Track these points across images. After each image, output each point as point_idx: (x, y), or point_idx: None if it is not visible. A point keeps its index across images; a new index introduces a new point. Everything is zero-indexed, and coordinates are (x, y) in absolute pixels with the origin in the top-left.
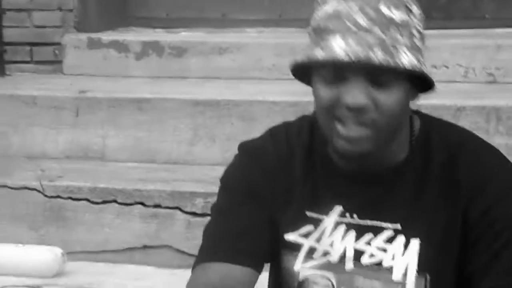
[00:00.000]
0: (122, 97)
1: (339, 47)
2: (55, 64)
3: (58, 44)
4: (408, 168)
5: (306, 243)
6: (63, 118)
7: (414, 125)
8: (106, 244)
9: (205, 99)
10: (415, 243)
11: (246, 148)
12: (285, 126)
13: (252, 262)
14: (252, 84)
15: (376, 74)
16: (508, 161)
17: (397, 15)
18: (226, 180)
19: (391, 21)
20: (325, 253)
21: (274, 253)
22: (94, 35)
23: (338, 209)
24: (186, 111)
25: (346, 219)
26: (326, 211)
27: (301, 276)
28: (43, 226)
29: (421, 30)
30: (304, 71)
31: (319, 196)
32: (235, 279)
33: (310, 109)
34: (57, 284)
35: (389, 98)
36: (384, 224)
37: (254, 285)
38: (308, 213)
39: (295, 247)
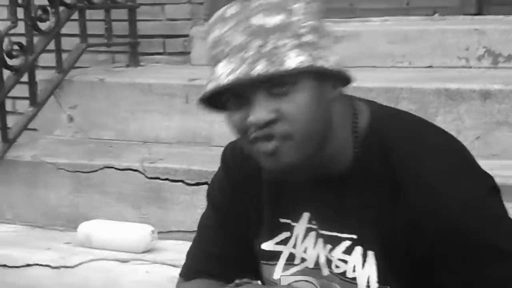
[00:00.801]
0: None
1: (222, 73)
2: (184, 55)
3: (187, 36)
4: (354, 171)
5: (286, 250)
6: (175, 105)
7: (359, 121)
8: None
9: None
10: (371, 256)
11: (222, 156)
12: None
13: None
14: (364, 72)
15: (273, 86)
16: (451, 155)
17: (272, 21)
18: (208, 192)
19: (267, 30)
20: (302, 259)
21: (252, 271)
22: None
23: (306, 215)
24: None
25: (314, 226)
26: (296, 217)
27: (282, 284)
28: (144, 206)
29: (310, 23)
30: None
31: (288, 202)
32: None
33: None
34: (143, 259)
35: (293, 105)
36: (341, 235)
37: None
38: (282, 220)
39: (274, 256)
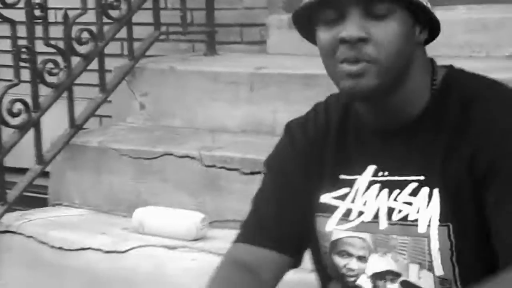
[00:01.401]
0: (291, 73)
1: None
2: (261, 44)
3: (263, 25)
4: (427, 117)
5: (343, 205)
6: (240, 93)
7: (437, 75)
8: None
9: None
10: (436, 194)
11: (286, 127)
12: (327, 98)
13: (280, 246)
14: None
15: (370, 6)
16: None
17: None
18: (266, 160)
19: None
20: (360, 213)
21: (308, 238)
22: None
23: (372, 168)
24: None
25: (379, 177)
26: (359, 171)
27: (333, 237)
28: (200, 194)
29: None
30: (306, 26)
31: (352, 159)
32: (263, 261)
33: None
34: (191, 247)
35: (385, 30)
36: (409, 178)
37: (284, 269)
38: (342, 176)
39: (329, 209)
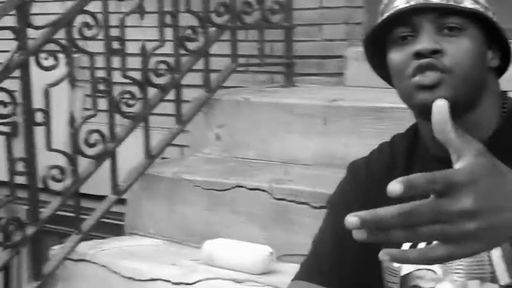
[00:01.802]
0: (363, 106)
1: (401, 2)
2: (338, 76)
3: (341, 57)
4: (495, 145)
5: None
6: (314, 126)
7: (507, 104)
8: None
9: None
10: None
11: (349, 166)
12: (392, 137)
13: (339, 285)
14: None
15: (442, 20)
16: None
17: None
18: (328, 199)
19: None
20: (428, 244)
21: (371, 275)
22: None
23: None
24: None
25: None
26: None
27: (403, 272)
28: (270, 226)
29: None
30: (378, 50)
31: None
32: None
33: None
34: (258, 281)
35: (458, 45)
36: None
37: None
38: None
39: (396, 244)
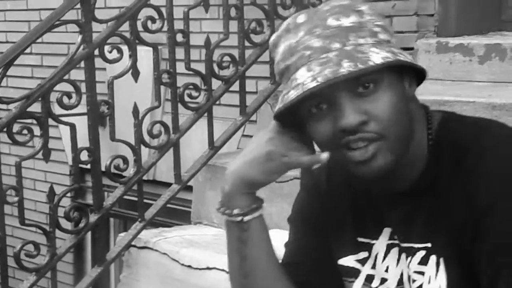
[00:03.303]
0: (426, 99)
1: (306, 77)
2: None
3: (412, 49)
4: (427, 176)
5: (364, 270)
6: None
7: (432, 124)
8: None
9: (502, 103)
10: (442, 263)
11: (303, 186)
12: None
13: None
14: None
15: (356, 83)
16: None
17: (348, 21)
18: (292, 214)
19: (344, 29)
20: (383, 280)
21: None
22: (443, 40)
23: (387, 231)
24: (479, 114)
25: (396, 240)
26: (376, 234)
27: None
28: None
29: (381, 23)
30: (291, 119)
31: (367, 221)
32: None
33: None
34: None
35: (379, 104)
36: (416, 245)
37: None
38: (360, 239)
39: (351, 273)
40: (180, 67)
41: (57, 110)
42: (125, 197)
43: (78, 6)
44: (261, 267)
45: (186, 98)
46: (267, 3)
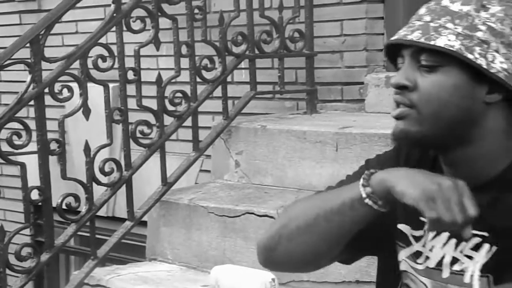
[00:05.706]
0: (373, 132)
1: (396, 34)
2: (360, 102)
3: (362, 83)
4: (503, 179)
5: (415, 246)
6: (326, 152)
7: None
8: (327, 275)
9: None
10: (493, 251)
11: (365, 163)
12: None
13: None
14: None
15: (418, 57)
16: None
17: (458, 7)
18: (367, 159)
19: (447, 11)
20: (426, 258)
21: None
22: (392, 74)
23: None
24: None
25: None
26: None
27: (402, 268)
28: None
29: (495, 26)
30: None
31: None
32: None
33: None
34: None
35: (431, 81)
36: (474, 232)
37: (335, 256)
38: (421, 218)
39: (406, 241)
40: (133, 104)
41: (8, 148)
42: (82, 233)
43: (28, 45)
44: (337, 239)
45: (138, 135)
46: (218, 40)
